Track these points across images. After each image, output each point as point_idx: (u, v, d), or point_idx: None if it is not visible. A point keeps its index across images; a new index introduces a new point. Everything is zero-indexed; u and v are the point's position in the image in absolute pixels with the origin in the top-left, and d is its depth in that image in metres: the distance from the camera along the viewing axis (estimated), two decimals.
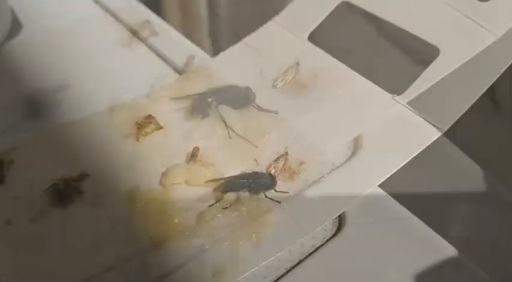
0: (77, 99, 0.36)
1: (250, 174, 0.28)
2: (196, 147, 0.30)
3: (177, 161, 0.30)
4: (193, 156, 0.30)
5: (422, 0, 0.32)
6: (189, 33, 0.83)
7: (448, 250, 0.25)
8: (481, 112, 0.59)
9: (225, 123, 0.32)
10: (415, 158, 0.28)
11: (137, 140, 0.32)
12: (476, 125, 0.59)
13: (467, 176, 0.62)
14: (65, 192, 0.28)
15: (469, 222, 0.63)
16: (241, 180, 0.28)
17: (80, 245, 0.26)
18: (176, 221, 0.27)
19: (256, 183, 0.28)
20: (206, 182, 0.28)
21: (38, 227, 0.27)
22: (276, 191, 0.28)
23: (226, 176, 0.29)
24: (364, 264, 0.25)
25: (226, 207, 0.27)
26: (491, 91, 0.58)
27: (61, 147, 0.31)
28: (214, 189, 0.28)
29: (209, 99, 0.32)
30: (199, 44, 0.86)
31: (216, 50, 0.76)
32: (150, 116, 0.33)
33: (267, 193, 0.28)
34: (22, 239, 0.26)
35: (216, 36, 0.82)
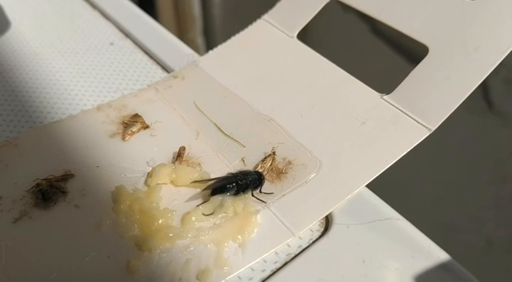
0: (63, 97, 0.35)
1: (237, 173, 0.28)
2: (183, 146, 0.30)
3: (163, 161, 0.30)
4: (179, 156, 0.30)
5: None
6: (183, 31, 0.82)
7: (437, 252, 0.25)
8: (475, 111, 0.59)
9: (213, 123, 0.32)
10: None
11: (123, 139, 0.31)
12: (470, 124, 0.59)
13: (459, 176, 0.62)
14: (48, 192, 0.27)
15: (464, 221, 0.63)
16: (229, 181, 0.28)
17: (63, 246, 0.26)
18: (161, 221, 0.26)
19: (244, 180, 0.27)
20: (192, 182, 0.28)
21: (20, 228, 0.26)
22: (261, 192, 0.28)
23: (213, 176, 0.28)
24: (351, 266, 0.25)
25: (212, 213, 0.27)
26: (485, 90, 0.57)
27: (46, 147, 0.31)
28: (203, 191, 0.28)
29: None
30: (192, 42, 0.85)
31: (209, 48, 0.76)
32: (136, 115, 0.33)
33: (254, 193, 0.28)
34: (5, 240, 0.26)
35: (209, 34, 0.81)
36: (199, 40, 0.82)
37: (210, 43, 0.83)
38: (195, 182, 0.28)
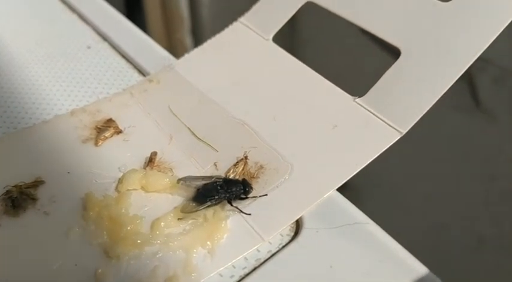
0: (38, 102, 0.35)
1: (222, 184, 0.27)
2: (154, 152, 0.30)
3: (136, 166, 0.30)
4: (150, 161, 0.29)
5: (383, 0, 0.31)
6: (171, 31, 0.82)
7: (405, 257, 0.25)
8: (464, 110, 0.59)
9: (187, 127, 0.32)
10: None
11: (96, 144, 0.31)
12: (458, 122, 0.59)
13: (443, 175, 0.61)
14: (18, 199, 0.27)
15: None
16: (214, 193, 0.27)
17: (31, 254, 0.26)
18: (129, 228, 0.26)
19: (228, 193, 0.27)
20: (178, 181, 0.28)
21: None
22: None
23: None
24: (321, 271, 0.25)
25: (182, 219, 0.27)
26: (473, 89, 0.57)
27: (18, 153, 0.31)
28: (182, 209, 0.27)
29: None
30: (180, 42, 0.85)
31: None
32: (110, 120, 0.32)
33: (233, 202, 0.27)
34: None
35: (197, 34, 0.81)
36: (188, 40, 0.82)
37: (198, 43, 0.82)
38: (180, 180, 0.28)
